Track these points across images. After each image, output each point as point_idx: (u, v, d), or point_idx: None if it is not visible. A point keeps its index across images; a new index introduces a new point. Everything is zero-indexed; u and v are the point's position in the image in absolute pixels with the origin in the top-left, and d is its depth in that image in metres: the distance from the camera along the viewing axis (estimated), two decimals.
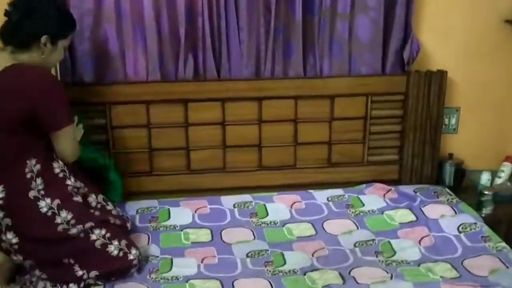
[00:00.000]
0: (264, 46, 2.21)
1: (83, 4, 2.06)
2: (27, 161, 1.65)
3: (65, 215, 1.68)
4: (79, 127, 1.94)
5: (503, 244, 1.92)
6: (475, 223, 2.04)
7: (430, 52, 2.38)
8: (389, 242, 1.99)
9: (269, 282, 1.74)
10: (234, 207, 2.23)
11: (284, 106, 2.27)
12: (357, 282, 1.73)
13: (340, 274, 1.77)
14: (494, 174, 2.42)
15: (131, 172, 2.26)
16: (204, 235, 2.05)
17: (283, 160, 2.35)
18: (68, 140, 1.72)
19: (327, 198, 2.29)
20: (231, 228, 2.09)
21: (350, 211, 2.20)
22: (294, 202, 2.26)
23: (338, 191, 2.33)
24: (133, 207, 2.21)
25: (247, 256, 1.92)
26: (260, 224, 2.13)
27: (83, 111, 2.10)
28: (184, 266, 1.85)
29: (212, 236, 2.04)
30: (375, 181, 2.38)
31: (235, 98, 2.23)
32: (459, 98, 2.47)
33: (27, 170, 1.65)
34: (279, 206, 2.24)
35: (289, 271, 1.81)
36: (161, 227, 2.09)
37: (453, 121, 2.49)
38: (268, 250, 1.95)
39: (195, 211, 2.19)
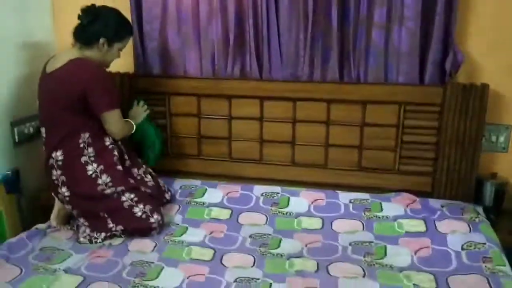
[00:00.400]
0: (303, 51, 2.39)
1: (152, 11, 2.51)
2: (81, 134, 2.10)
3: (105, 178, 2.11)
4: (143, 108, 2.44)
5: (504, 268, 1.82)
6: (485, 244, 1.95)
7: (480, 65, 2.29)
8: (385, 246, 2.02)
9: (254, 258, 1.95)
10: (262, 195, 2.46)
11: (317, 108, 2.42)
12: (328, 273, 1.84)
13: (318, 264, 1.90)
14: None
15: (183, 153, 2.65)
16: (224, 214, 2.33)
17: (314, 159, 2.50)
18: (112, 122, 2.12)
19: (350, 200, 2.37)
20: (249, 213, 2.33)
21: (365, 214, 2.26)
22: (317, 199, 2.40)
23: (364, 195, 2.39)
24: (178, 183, 2.59)
25: (249, 236, 2.14)
26: (277, 213, 2.32)
27: (149, 98, 2.57)
28: (193, 234, 2.16)
29: (230, 216, 2.31)
30: (406, 190, 2.38)
31: (272, 97, 2.46)
32: (511, 115, 2.32)
33: (80, 141, 2.10)
34: (302, 200, 2.40)
35: (277, 254, 1.99)
36: (193, 202, 2.43)
37: (502, 139, 2.35)
38: (270, 234, 2.15)
39: (226, 194, 2.48)
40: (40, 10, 2.67)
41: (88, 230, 2.15)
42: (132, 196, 2.15)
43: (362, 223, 2.20)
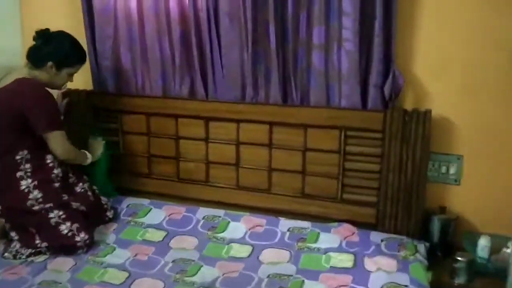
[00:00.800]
0: (246, 72, 2.33)
1: (104, 31, 2.53)
2: (19, 151, 2.13)
3: (36, 193, 2.13)
4: (100, 143, 2.48)
5: None
6: (407, 286, 1.79)
7: (428, 90, 2.13)
8: (302, 281, 1.90)
9: (164, 284, 1.91)
10: (203, 218, 2.40)
11: (260, 131, 2.34)
12: None
13: None
14: (499, 240, 2.01)
15: (135, 172, 2.64)
16: (158, 236, 2.29)
17: (258, 183, 2.41)
18: (54, 142, 2.15)
19: (289, 228, 2.26)
20: (183, 236, 2.28)
21: (297, 244, 2.14)
22: (256, 225, 2.31)
23: (305, 224, 2.28)
24: (127, 202, 2.57)
25: (172, 261, 2.08)
26: (211, 238, 2.25)
27: (103, 115, 2.60)
28: (118, 256, 2.13)
29: (163, 238, 2.27)
30: (351, 221, 2.24)
31: (216, 118, 2.41)
32: (462, 145, 2.13)
33: (18, 157, 2.12)
34: (240, 226, 2.32)
35: (190, 282, 1.92)
36: (132, 221, 2.41)
37: (453, 170, 2.16)
38: (194, 260, 2.09)
39: (169, 215, 2.44)
40: (9, 32, 2.77)
41: (18, 245, 2.17)
42: (61, 213, 2.15)
43: (291, 253, 2.08)
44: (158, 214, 2.45)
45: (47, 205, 2.14)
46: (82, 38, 2.44)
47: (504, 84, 2.02)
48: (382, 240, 2.10)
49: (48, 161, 2.19)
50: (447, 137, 2.13)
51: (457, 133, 2.12)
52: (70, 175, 2.29)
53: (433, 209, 2.16)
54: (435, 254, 2.10)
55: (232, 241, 2.22)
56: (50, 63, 2.16)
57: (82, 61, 2.28)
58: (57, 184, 2.20)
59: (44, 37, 2.18)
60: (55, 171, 2.21)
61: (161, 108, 2.51)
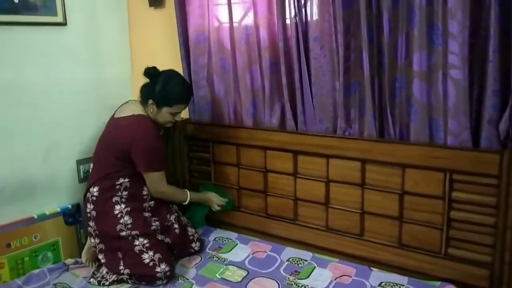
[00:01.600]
0: (338, 101, 2.11)
1: (199, 61, 2.53)
2: (121, 178, 2.19)
3: (126, 219, 2.16)
4: (219, 202, 2.46)
5: None
6: None
7: None
8: None
9: None
10: (287, 260, 2.21)
11: (351, 168, 2.09)
12: None
13: None
14: None
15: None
16: (238, 276, 2.16)
17: (349, 226, 2.15)
18: (150, 182, 2.21)
19: (381, 283, 1.96)
20: (264, 278, 2.11)
21: None
22: (344, 275, 2.05)
23: (402, 279, 1.96)
24: (214, 234, 2.51)
25: None
26: (292, 284, 2.05)
27: (197, 145, 2.59)
28: None
29: (242, 279, 2.13)
30: (456, 282, 1.87)
31: (304, 152, 2.22)
32: None
33: (117, 183, 2.18)
34: (326, 273, 2.08)
35: None
36: (215, 257, 2.32)
37: None
38: None
39: (253, 253, 2.30)
40: (120, 63, 2.92)
41: (104, 271, 2.21)
42: (145, 242, 2.15)
43: None
44: (243, 250, 2.34)
45: (134, 232, 2.15)
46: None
47: None
48: None
49: (144, 192, 2.24)
50: None
51: None
52: (162, 206, 2.31)
53: None
54: None
55: None
56: (151, 101, 2.20)
57: (181, 101, 2.24)
58: (147, 214, 2.22)
59: (149, 75, 2.24)
60: (148, 202, 2.24)
61: (251, 139, 2.40)
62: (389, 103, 1.98)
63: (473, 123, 1.80)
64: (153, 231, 2.20)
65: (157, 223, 2.24)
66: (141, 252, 2.13)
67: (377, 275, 2.02)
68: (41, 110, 2.51)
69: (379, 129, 2.04)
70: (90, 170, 2.34)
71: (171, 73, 2.27)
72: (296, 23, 2.12)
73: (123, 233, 2.15)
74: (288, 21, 2.17)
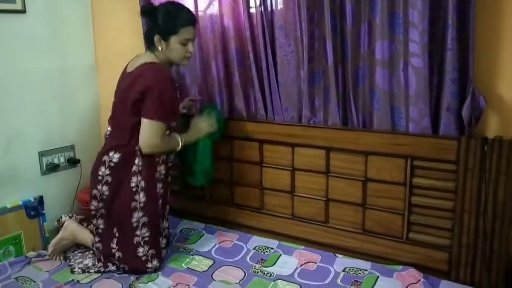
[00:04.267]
0: (303, 90, 2.13)
1: None
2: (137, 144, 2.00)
3: (141, 196, 2.03)
4: (211, 121, 2.20)
5: None
6: None
7: None
8: None
9: None
10: (254, 249, 2.22)
11: (316, 156, 2.11)
12: None
13: None
14: None
15: (192, 194, 2.55)
16: (204, 265, 2.14)
17: (314, 214, 2.18)
18: (147, 131, 1.96)
19: (344, 268, 2.00)
20: (230, 267, 2.11)
21: None
22: (309, 262, 2.08)
23: (365, 265, 2.00)
24: (181, 226, 2.48)
25: None
26: (257, 272, 2.06)
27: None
28: (158, 284, 2.01)
29: (208, 268, 2.12)
30: (416, 265, 1.92)
31: (270, 141, 2.23)
32: None
33: (136, 148, 2.00)
34: (292, 260, 2.10)
35: None
36: (181, 247, 2.30)
37: None
38: None
39: (219, 243, 2.30)
40: (83, 51, 2.86)
41: (90, 263, 2.13)
42: (146, 234, 2.08)
43: None
44: (209, 240, 2.33)
45: (143, 219, 2.06)
46: None
47: None
48: None
49: (157, 159, 2.07)
50: None
51: None
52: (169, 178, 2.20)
53: None
54: None
55: (279, 277, 2.00)
56: (156, 37, 1.99)
57: (186, 23, 2.00)
58: (159, 186, 2.10)
59: (147, 11, 2.07)
60: (158, 168, 2.09)
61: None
62: (352, 91, 2.00)
63: (433, 110, 1.84)
64: (160, 214, 2.15)
65: (164, 201, 2.17)
66: (138, 244, 2.07)
67: (342, 261, 2.05)
68: (0, 99, 2.44)
69: (343, 118, 2.07)
70: (107, 132, 2.13)
71: (164, 3, 2.08)
72: (261, 12, 2.12)
73: (134, 218, 2.04)
74: (253, 10, 2.16)
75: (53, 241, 2.26)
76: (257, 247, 2.23)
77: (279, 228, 2.28)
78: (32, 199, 2.61)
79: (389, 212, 1.98)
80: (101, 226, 2.13)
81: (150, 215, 2.07)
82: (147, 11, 2.07)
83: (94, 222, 2.14)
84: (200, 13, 2.34)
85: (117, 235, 2.10)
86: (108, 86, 2.86)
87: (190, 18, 2.04)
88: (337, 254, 2.10)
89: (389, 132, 1.94)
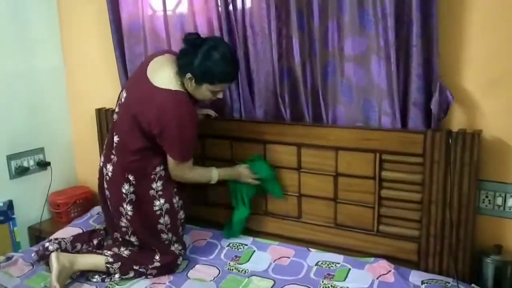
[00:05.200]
0: (273, 88, 2.14)
1: (135, 50, 2.47)
2: (157, 167, 1.96)
3: (166, 219, 2.00)
4: (251, 176, 2.14)
5: None
6: None
7: (478, 108, 1.81)
8: None
9: None
10: (228, 246, 2.23)
11: (287, 153, 2.14)
12: None
13: None
14: None
15: None
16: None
17: (288, 210, 2.20)
18: (176, 170, 1.96)
19: (317, 262, 2.03)
20: (203, 265, 2.11)
21: (323, 282, 1.90)
22: (282, 257, 2.10)
23: (337, 258, 2.03)
24: None
25: None
26: (232, 269, 2.07)
27: None
28: (135, 284, 2.00)
29: (184, 268, 2.11)
30: (388, 257, 1.97)
31: (242, 139, 2.24)
32: None
33: (153, 173, 1.95)
34: (266, 256, 2.12)
35: None
36: None
37: (511, 202, 1.81)
38: None
39: (193, 242, 2.29)
40: (50, 52, 2.81)
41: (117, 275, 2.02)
42: (180, 248, 2.08)
43: None
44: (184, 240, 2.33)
45: (173, 238, 2.06)
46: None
47: None
48: (423, 282, 1.81)
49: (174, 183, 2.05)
50: (504, 163, 1.80)
51: None
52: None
53: (486, 248, 1.83)
54: None
55: (253, 273, 2.02)
56: (189, 75, 1.85)
57: (225, 80, 1.90)
58: (176, 203, 2.05)
59: (190, 43, 1.88)
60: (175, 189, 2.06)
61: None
62: (321, 88, 2.03)
63: (401, 105, 1.89)
64: (182, 225, 2.14)
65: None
66: (174, 254, 2.06)
67: (315, 255, 2.08)
68: None
69: (313, 114, 2.10)
70: (115, 138, 1.97)
71: (215, 42, 1.88)
72: (231, 11, 2.13)
73: (164, 236, 2.03)
74: (223, 8, 2.16)
75: (54, 276, 1.90)
76: (231, 244, 2.24)
77: (253, 225, 2.29)
78: (1, 204, 2.56)
79: (359, 205, 2.02)
80: (136, 243, 2.06)
81: (176, 233, 2.06)
82: (190, 42, 1.87)
83: (127, 238, 2.06)
84: (168, 12, 2.33)
85: (156, 250, 2.04)
86: (77, 88, 2.86)
87: (231, 76, 1.92)
88: (310, 249, 2.13)
89: (358, 128, 1.98)
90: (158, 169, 1.97)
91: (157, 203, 1.98)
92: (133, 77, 2.06)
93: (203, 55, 1.83)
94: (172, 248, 2.06)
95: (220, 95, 1.96)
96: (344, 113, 2.04)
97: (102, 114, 2.63)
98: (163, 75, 1.89)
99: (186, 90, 1.90)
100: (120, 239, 2.09)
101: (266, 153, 2.20)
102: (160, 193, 1.98)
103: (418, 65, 1.79)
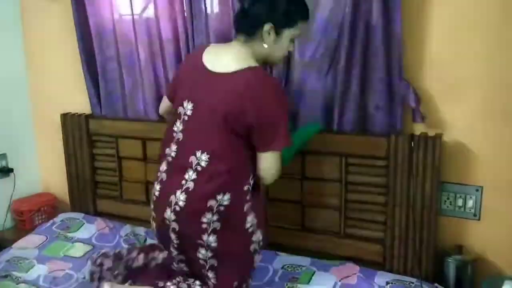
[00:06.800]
0: None
1: (106, 53, 2.45)
2: (250, 174, 1.62)
3: (258, 235, 1.67)
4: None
5: None
6: None
7: (440, 112, 1.87)
8: None
9: None
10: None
11: None
12: None
13: None
14: None
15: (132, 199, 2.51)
16: (81, 251, 2.24)
17: None
18: (272, 162, 1.62)
19: (284, 265, 2.03)
20: None
21: (287, 285, 1.90)
22: None
23: (304, 260, 2.04)
24: (126, 229, 2.43)
25: (83, 277, 2.01)
26: None
27: (100, 140, 2.52)
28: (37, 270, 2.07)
29: (84, 254, 2.20)
30: (354, 259, 2.00)
31: None
32: (482, 175, 1.84)
33: (246, 185, 1.62)
34: None
35: None
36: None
37: (471, 203, 1.87)
38: None
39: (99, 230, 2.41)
40: (11, 57, 2.75)
41: None
42: (260, 257, 1.77)
43: None
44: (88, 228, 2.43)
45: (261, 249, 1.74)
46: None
47: None
48: (387, 283, 1.84)
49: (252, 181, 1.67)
50: (464, 166, 1.86)
51: (475, 161, 1.84)
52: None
53: (448, 248, 1.88)
54: None
55: None
56: (267, 26, 1.59)
57: (305, 15, 1.68)
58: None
59: None
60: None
61: (156, 133, 2.36)
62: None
63: (364, 109, 1.93)
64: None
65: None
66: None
67: (282, 259, 2.07)
68: None
69: None
70: (200, 156, 1.57)
71: None
72: (196, 16, 2.13)
73: (256, 255, 1.70)
74: (188, 14, 2.16)
75: None
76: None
77: None
78: None
79: (326, 208, 2.05)
80: (213, 281, 1.66)
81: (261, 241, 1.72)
82: None
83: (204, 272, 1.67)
84: (135, 17, 2.31)
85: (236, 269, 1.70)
86: (41, 93, 2.79)
87: (308, 13, 1.70)
88: (278, 253, 2.13)
89: (325, 132, 2.01)
90: (251, 177, 1.64)
91: (249, 219, 1.64)
92: (188, 83, 1.68)
93: None
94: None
95: (293, 46, 1.74)
96: (307, 119, 2.05)
97: (68, 120, 2.59)
98: (229, 56, 1.62)
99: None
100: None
101: None
102: (250, 206, 1.64)
103: (380, 70, 1.83)
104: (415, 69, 1.86)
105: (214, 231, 1.58)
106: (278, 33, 1.62)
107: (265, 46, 1.62)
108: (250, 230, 1.63)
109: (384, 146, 1.87)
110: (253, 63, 1.59)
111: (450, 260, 1.84)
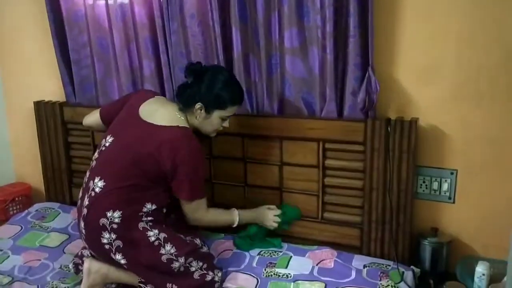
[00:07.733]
0: None
1: (78, 39, 2.40)
2: (147, 204, 1.77)
3: (169, 248, 1.76)
4: (274, 219, 2.02)
5: None
6: None
7: (414, 96, 1.88)
8: None
9: None
10: None
11: (232, 143, 2.14)
12: None
13: None
14: (499, 266, 1.74)
15: None
16: (56, 240, 2.23)
17: (233, 200, 2.20)
18: (191, 210, 1.84)
19: (260, 252, 2.03)
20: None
21: (265, 270, 1.89)
22: (226, 250, 2.06)
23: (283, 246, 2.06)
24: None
25: (60, 267, 2.06)
26: None
27: (76, 129, 2.47)
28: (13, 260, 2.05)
29: (60, 243, 2.20)
30: (332, 243, 2.01)
31: None
32: (456, 158, 1.87)
33: (143, 210, 1.76)
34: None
35: None
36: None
37: (446, 186, 1.90)
38: None
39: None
40: None
41: None
42: (203, 265, 1.84)
43: (258, 280, 1.86)
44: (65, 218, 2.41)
45: (188, 261, 1.80)
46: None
47: (504, 90, 1.75)
48: (365, 266, 1.86)
49: (164, 211, 1.86)
50: (439, 150, 1.88)
51: (450, 145, 1.87)
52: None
53: (424, 230, 1.91)
54: (427, 282, 1.84)
55: None
56: (198, 105, 1.80)
57: (236, 102, 1.86)
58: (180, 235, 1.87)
59: (194, 73, 1.84)
60: (167, 219, 1.89)
61: None
62: (266, 79, 2.04)
63: (340, 95, 1.93)
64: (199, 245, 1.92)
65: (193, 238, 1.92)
66: (203, 276, 1.83)
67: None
68: None
69: (256, 105, 2.11)
70: (96, 187, 1.77)
71: (216, 68, 1.91)
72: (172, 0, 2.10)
73: (175, 264, 1.77)
74: None
75: None
76: None
77: None
78: None
79: (304, 194, 2.06)
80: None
81: (188, 254, 1.82)
82: (195, 72, 1.84)
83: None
84: (110, 1, 2.26)
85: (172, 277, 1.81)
86: (13, 81, 2.73)
87: (241, 98, 1.89)
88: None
89: (301, 117, 2.01)
90: (149, 206, 1.79)
91: (151, 233, 1.77)
92: (119, 121, 1.89)
93: (210, 81, 1.80)
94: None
95: (226, 124, 1.90)
96: (286, 104, 2.05)
97: (41, 108, 2.53)
98: (164, 113, 1.82)
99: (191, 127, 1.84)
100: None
101: (212, 144, 2.19)
102: (151, 224, 1.78)
103: (356, 55, 1.83)
104: (390, 56, 1.87)
105: (117, 249, 1.74)
106: (208, 112, 1.82)
107: (196, 120, 1.83)
108: (156, 243, 1.75)
109: (361, 131, 1.88)
110: (184, 125, 1.81)
111: (425, 243, 1.87)
